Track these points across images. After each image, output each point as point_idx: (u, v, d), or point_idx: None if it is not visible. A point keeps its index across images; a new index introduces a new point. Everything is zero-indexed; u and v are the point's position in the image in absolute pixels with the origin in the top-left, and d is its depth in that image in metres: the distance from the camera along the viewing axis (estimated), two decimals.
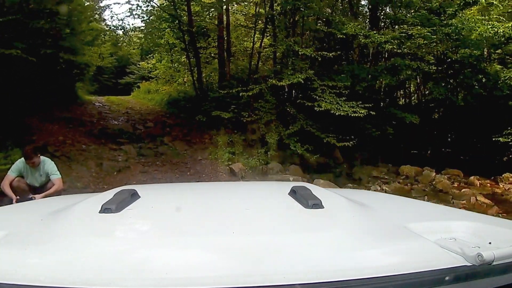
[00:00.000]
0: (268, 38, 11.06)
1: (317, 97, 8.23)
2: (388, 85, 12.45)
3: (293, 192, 1.29)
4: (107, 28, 11.79)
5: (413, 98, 15.51)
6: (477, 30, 9.66)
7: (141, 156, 8.87)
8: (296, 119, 9.03)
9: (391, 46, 8.86)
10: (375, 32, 8.77)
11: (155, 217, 1.17)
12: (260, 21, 10.66)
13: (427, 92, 13.76)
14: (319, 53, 8.39)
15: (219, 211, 1.24)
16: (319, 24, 9.70)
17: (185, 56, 13.51)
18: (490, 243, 0.94)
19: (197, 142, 9.84)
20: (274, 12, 9.35)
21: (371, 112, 8.57)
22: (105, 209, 1.09)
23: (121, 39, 12.52)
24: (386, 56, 13.06)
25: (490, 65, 12.64)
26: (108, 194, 1.24)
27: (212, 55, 14.14)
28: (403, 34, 9.19)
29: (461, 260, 0.83)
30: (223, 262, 0.85)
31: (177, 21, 12.05)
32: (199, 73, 12.31)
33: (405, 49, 10.31)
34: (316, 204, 1.13)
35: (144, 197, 1.28)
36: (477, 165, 10.61)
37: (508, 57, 12.18)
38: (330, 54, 8.39)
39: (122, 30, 11.90)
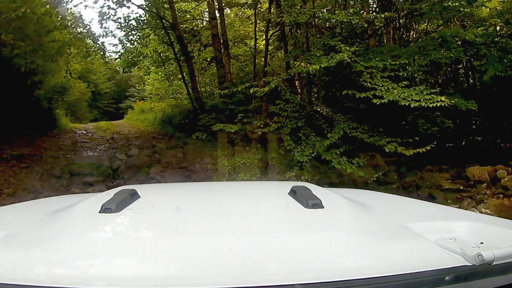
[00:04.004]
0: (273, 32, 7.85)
1: (368, 84, 4.91)
2: None
3: (293, 192, 1.19)
4: (72, 37, 8.51)
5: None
6: None
7: None
8: (334, 123, 5.70)
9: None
10: None
11: (155, 217, 1.08)
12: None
13: (470, 73, 10.55)
14: (364, 16, 5.02)
15: (219, 211, 1.14)
16: None
17: (175, 64, 10.54)
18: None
19: (196, 170, 6.58)
20: None
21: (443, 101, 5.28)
22: (105, 209, 1.00)
23: (92, 49, 9.24)
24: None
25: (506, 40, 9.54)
26: (108, 194, 1.15)
27: (208, 59, 11.15)
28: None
29: (461, 260, 0.77)
30: (223, 262, 0.76)
31: (160, 22, 9.05)
32: (194, 80, 9.15)
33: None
34: (316, 204, 1.04)
35: (144, 197, 1.19)
36: None
37: None
38: (383, 15, 5.03)
39: (91, 38, 8.70)
